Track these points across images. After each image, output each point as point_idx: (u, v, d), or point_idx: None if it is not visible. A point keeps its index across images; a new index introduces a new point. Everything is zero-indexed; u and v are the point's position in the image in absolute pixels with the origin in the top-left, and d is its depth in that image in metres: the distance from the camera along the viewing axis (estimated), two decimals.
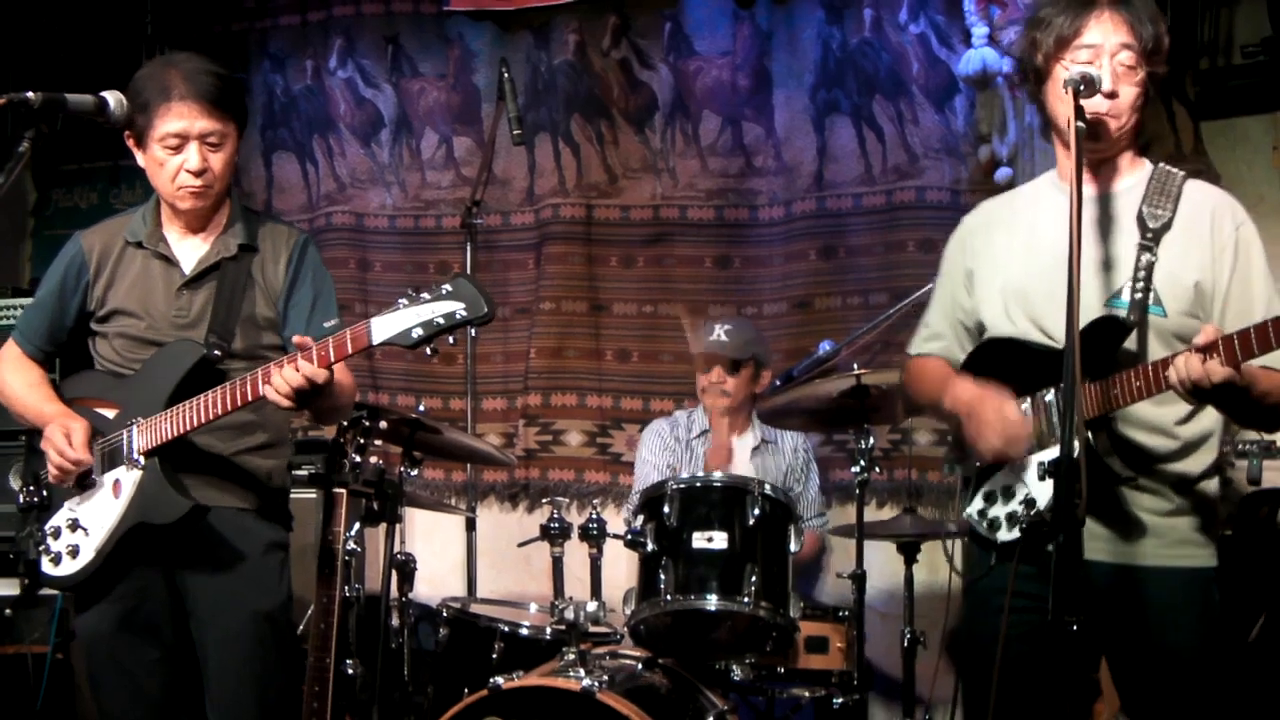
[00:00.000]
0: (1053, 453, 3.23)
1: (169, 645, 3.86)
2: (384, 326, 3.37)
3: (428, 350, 3.37)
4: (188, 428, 3.66)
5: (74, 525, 3.83)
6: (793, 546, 4.63)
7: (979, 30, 5.93)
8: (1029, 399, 3.40)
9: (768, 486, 4.66)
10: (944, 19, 6.07)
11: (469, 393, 6.24)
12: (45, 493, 3.90)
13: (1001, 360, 3.45)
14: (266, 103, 7.00)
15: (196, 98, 3.73)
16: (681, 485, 4.65)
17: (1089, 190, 3.43)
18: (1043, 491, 3.31)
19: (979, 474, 3.51)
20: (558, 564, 4.62)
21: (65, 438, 3.76)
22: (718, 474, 5.01)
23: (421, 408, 5.17)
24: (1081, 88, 3.20)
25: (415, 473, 4.85)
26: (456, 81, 6.76)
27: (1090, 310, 3.30)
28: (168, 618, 3.84)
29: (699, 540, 4.53)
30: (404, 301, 3.36)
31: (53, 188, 7.32)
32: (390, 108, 6.86)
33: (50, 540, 3.86)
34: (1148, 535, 3.33)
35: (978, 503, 3.49)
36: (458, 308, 3.32)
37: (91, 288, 3.93)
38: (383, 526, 4.52)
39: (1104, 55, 3.31)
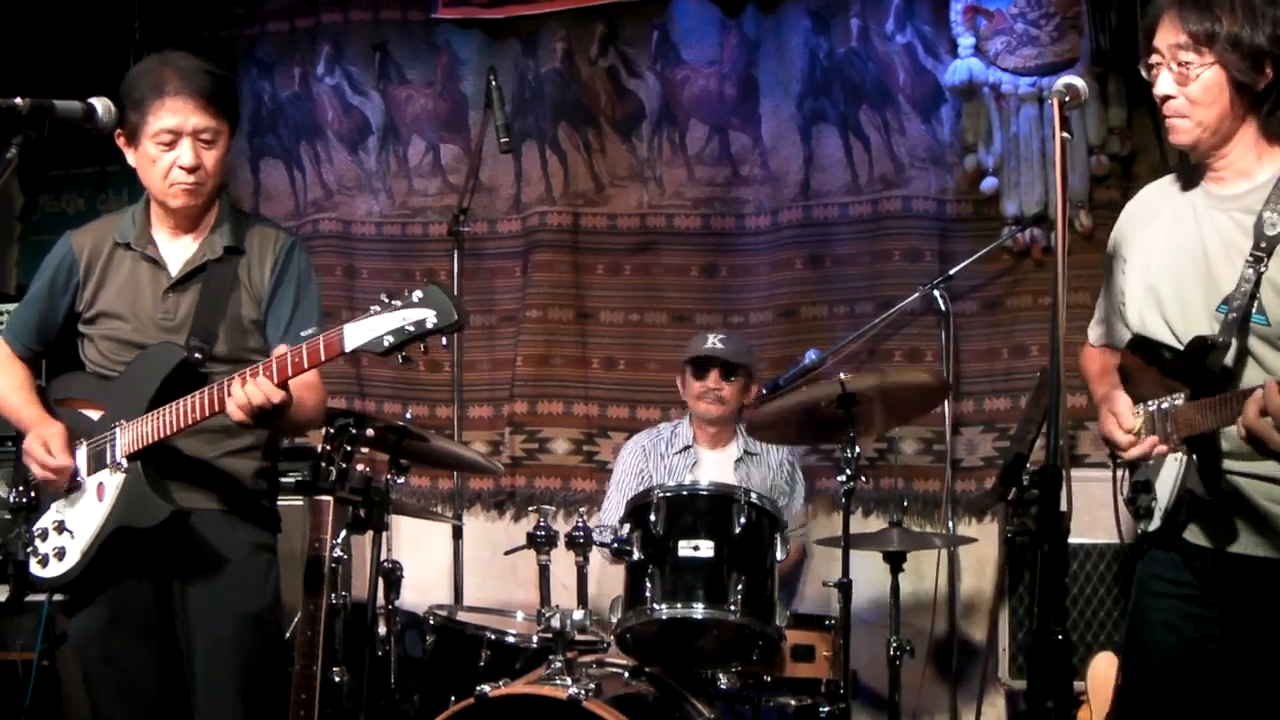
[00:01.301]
0: (1166, 460, 3.34)
1: (161, 644, 3.85)
2: (357, 333, 3.37)
3: (399, 358, 3.37)
4: (169, 431, 3.66)
5: (60, 527, 3.83)
6: (779, 555, 4.64)
7: (965, 40, 5.97)
8: (1155, 403, 3.40)
9: (754, 495, 4.66)
10: (931, 29, 6.09)
11: (455, 400, 6.25)
12: (34, 494, 3.90)
13: (1146, 355, 3.46)
14: (254, 109, 6.99)
15: (191, 94, 3.74)
16: (668, 493, 4.65)
17: (1213, 189, 3.42)
18: (1163, 488, 3.36)
19: (1130, 465, 3.54)
20: (544, 572, 4.62)
21: (44, 448, 3.76)
22: (704, 482, 5.01)
23: (408, 415, 5.16)
24: (1067, 99, 3.21)
25: (402, 480, 4.84)
26: (444, 89, 6.76)
27: (1198, 317, 3.32)
28: (156, 619, 3.84)
29: (685, 549, 4.53)
30: (377, 309, 3.35)
31: (40, 193, 7.31)
32: (378, 115, 6.86)
33: (38, 542, 3.86)
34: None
35: (1128, 491, 3.52)
36: (428, 315, 3.31)
37: (81, 288, 3.93)
38: (369, 534, 4.51)
39: (1166, 60, 3.33)
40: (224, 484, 3.89)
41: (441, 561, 6.14)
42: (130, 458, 3.71)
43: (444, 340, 3.39)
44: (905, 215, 6.15)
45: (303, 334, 3.76)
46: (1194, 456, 3.27)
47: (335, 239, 6.89)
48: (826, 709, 4.81)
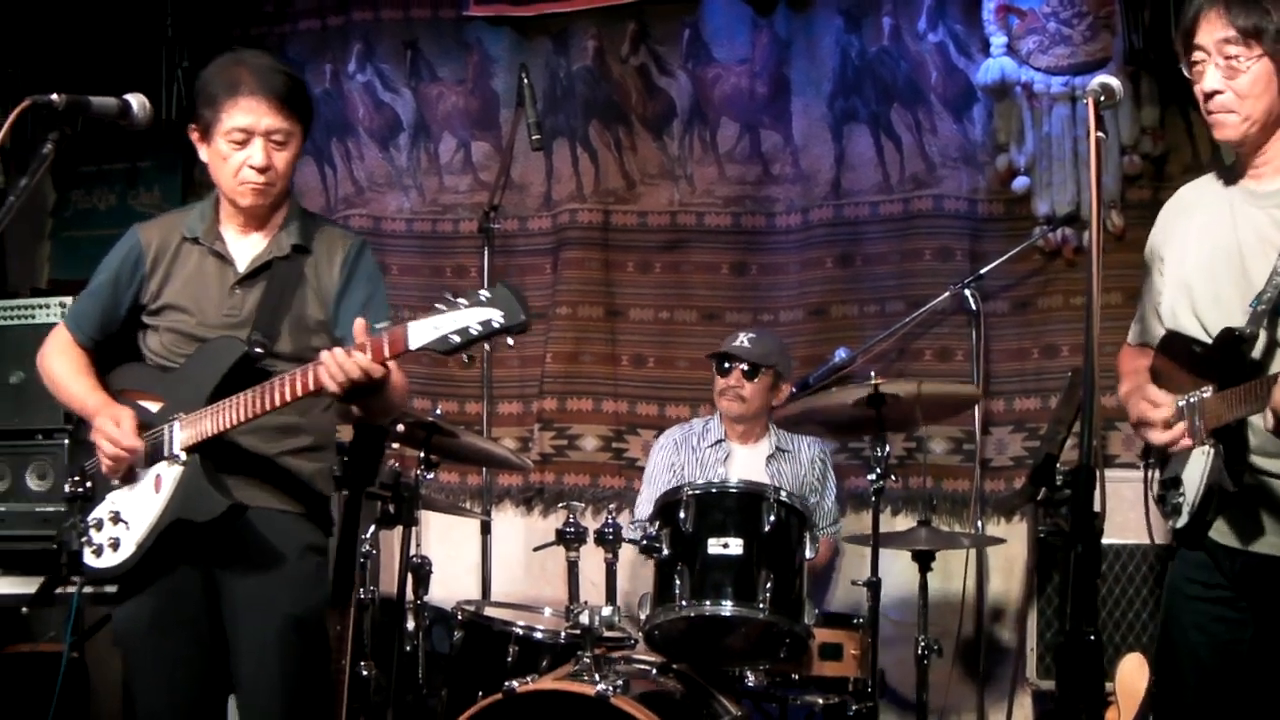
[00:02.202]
0: (1195, 454, 3.35)
1: (205, 640, 3.83)
2: (421, 331, 3.35)
3: (464, 358, 3.37)
4: (229, 425, 3.64)
5: (115, 518, 3.81)
6: (808, 553, 4.64)
7: (998, 39, 5.95)
8: (1184, 398, 3.40)
9: (783, 493, 4.67)
10: (963, 28, 6.08)
11: (485, 397, 6.27)
12: (89, 484, 3.88)
13: (1178, 352, 3.46)
14: None
15: (265, 94, 3.73)
16: (697, 491, 4.66)
17: (1251, 186, 3.42)
18: (1190, 483, 3.37)
19: (1161, 463, 3.55)
20: (573, 568, 4.62)
21: (115, 425, 3.75)
22: (734, 480, 5.01)
23: (438, 411, 5.20)
24: (1102, 98, 3.20)
25: (431, 476, 4.87)
26: (475, 87, 6.77)
27: (1232, 314, 3.31)
28: (204, 614, 3.82)
29: (714, 546, 4.54)
30: (441, 306, 3.33)
31: (71, 189, 7.33)
32: (408, 112, 6.87)
33: (92, 532, 3.84)
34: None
35: (1158, 489, 3.53)
36: (495, 315, 3.28)
37: (147, 281, 3.91)
38: (398, 529, 4.53)
39: (1212, 56, 3.32)
40: (282, 482, 3.86)
41: (470, 557, 6.14)
42: (188, 450, 3.69)
43: (510, 340, 3.36)
44: (936, 214, 6.14)
45: (376, 326, 3.74)
46: (1221, 448, 3.26)
47: (365, 235, 6.87)
48: (854, 708, 4.81)
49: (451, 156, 6.85)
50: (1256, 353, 3.27)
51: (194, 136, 3.85)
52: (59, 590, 5.18)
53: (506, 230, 6.53)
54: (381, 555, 5.26)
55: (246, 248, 3.91)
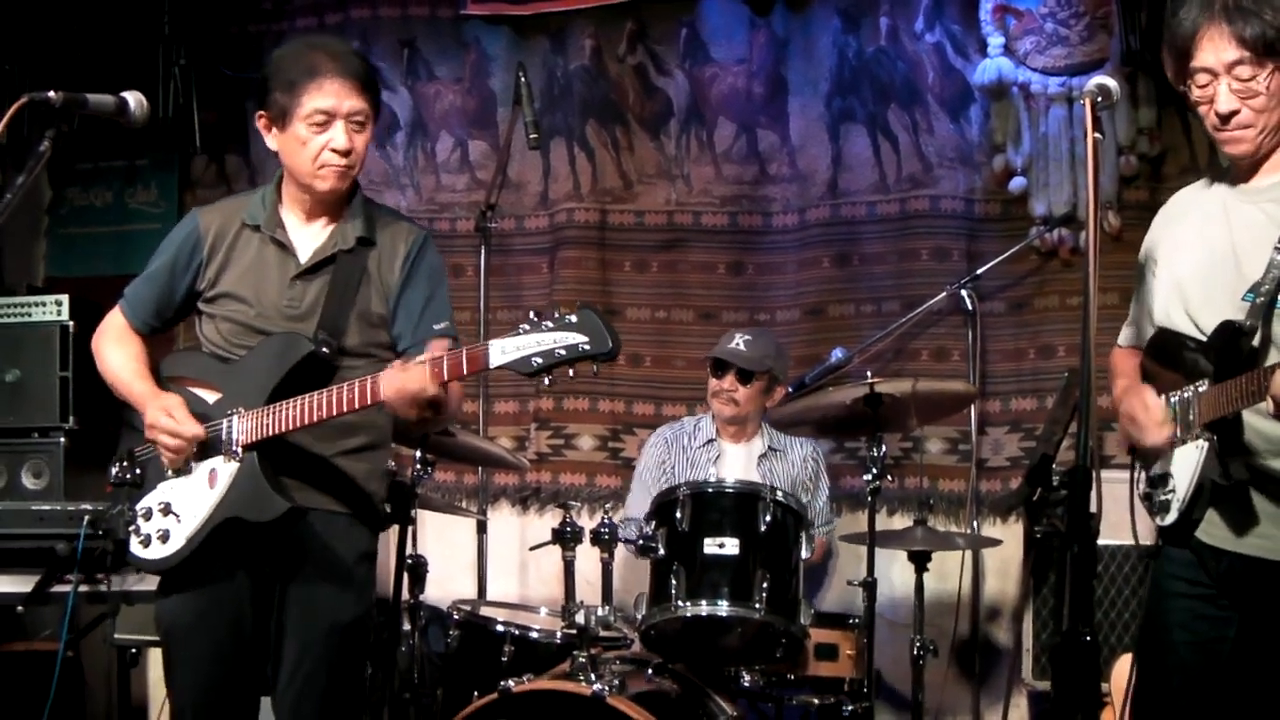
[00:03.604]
0: (1187, 449, 3.35)
1: (249, 639, 3.78)
2: (503, 350, 3.29)
3: (545, 380, 3.31)
4: (293, 426, 3.59)
5: (166, 509, 3.75)
6: (804, 553, 4.64)
7: (995, 40, 5.96)
8: (1177, 394, 3.41)
9: (780, 493, 4.67)
10: (960, 28, 6.09)
11: (481, 396, 6.27)
12: (139, 471, 3.82)
13: (1168, 349, 3.47)
14: None
15: (347, 76, 3.71)
16: (693, 491, 4.66)
17: (1243, 185, 3.42)
18: (1181, 478, 3.37)
19: (1144, 460, 3.56)
20: (569, 568, 4.62)
21: (167, 415, 3.69)
22: (730, 479, 5.01)
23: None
24: (1099, 99, 3.20)
25: (427, 475, 4.85)
26: (472, 85, 6.77)
27: (1225, 305, 3.31)
28: (249, 613, 3.77)
29: (710, 546, 4.54)
30: (525, 327, 3.28)
31: (68, 187, 7.31)
32: (405, 111, 6.86)
33: (140, 521, 3.79)
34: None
35: (1144, 487, 3.54)
36: (581, 340, 3.23)
37: (205, 267, 3.86)
38: (394, 529, 4.52)
39: (1220, 77, 3.28)
40: (338, 484, 3.80)
41: (466, 557, 6.14)
42: (246, 448, 3.64)
43: (595, 367, 3.31)
44: (933, 215, 6.15)
45: (435, 326, 3.77)
46: (1215, 439, 3.26)
47: None
48: (849, 708, 4.81)
49: (448, 155, 6.84)
50: (1255, 344, 3.28)
51: (261, 124, 3.80)
52: (54, 589, 5.19)
53: (503, 229, 6.53)
54: (378, 554, 5.25)
55: (308, 237, 3.86)
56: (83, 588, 4.47)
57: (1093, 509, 3.03)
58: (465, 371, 3.40)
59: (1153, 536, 3.56)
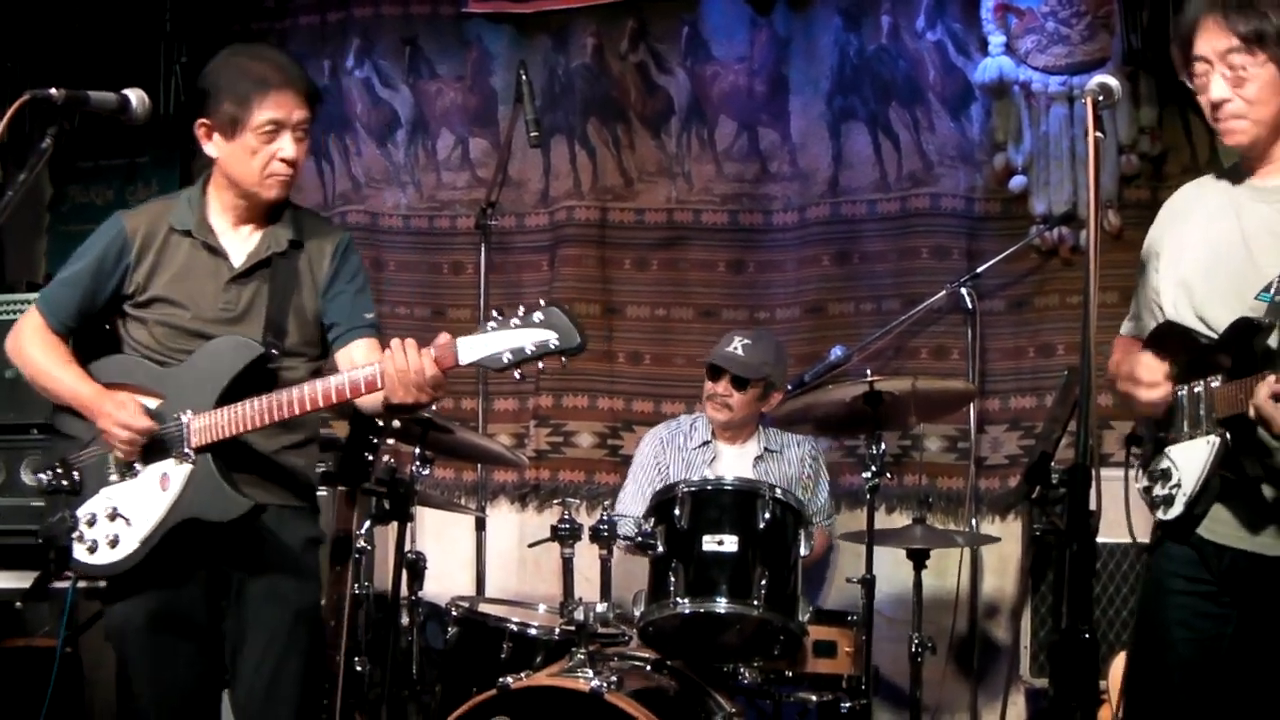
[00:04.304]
0: (1196, 443, 3.36)
1: (203, 639, 3.83)
2: (472, 348, 3.37)
3: (516, 374, 3.38)
4: (248, 427, 3.63)
5: (114, 514, 3.76)
6: (803, 551, 4.65)
7: (996, 39, 5.96)
8: (1185, 387, 3.42)
9: (779, 490, 4.67)
10: (961, 27, 6.08)
11: (480, 393, 6.28)
12: (75, 477, 3.82)
13: (1174, 342, 3.48)
14: None
15: (295, 87, 3.77)
16: (692, 488, 4.66)
17: (1256, 183, 3.44)
18: (1188, 477, 3.38)
19: (1145, 455, 3.58)
20: (567, 565, 4.62)
21: (122, 409, 3.69)
22: (729, 477, 5.01)
23: (433, 407, 5.17)
24: (1100, 98, 3.21)
25: (426, 472, 4.86)
26: (474, 83, 6.77)
27: (1232, 298, 3.33)
28: (203, 611, 3.82)
29: (709, 543, 4.55)
30: (493, 325, 3.35)
31: (68, 184, 7.33)
32: (407, 108, 6.87)
33: (84, 527, 3.78)
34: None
35: (1144, 480, 3.55)
36: (550, 337, 3.31)
37: (132, 271, 3.86)
38: (393, 525, 4.53)
39: (1215, 65, 3.34)
40: (280, 478, 3.86)
41: (464, 553, 6.15)
42: (199, 449, 3.66)
43: (564, 360, 3.37)
44: (933, 213, 6.15)
45: (366, 315, 3.86)
46: (1228, 435, 3.27)
47: (363, 231, 6.89)
48: (848, 705, 4.81)
49: (449, 153, 6.85)
50: (1272, 343, 3.28)
51: (201, 132, 3.81)
52: (53, 585, 5.19)
53: (504, 227, 6.53)
54: (377, 551, 5.26)
55: (238, 241, 3.89)
56: (81, 584, 4.46)
57: (1092, 507, 3.03)
58: (438, 369, 3.46)
59: (1149, 534, 3.57)
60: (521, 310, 3.35)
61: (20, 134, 4.77)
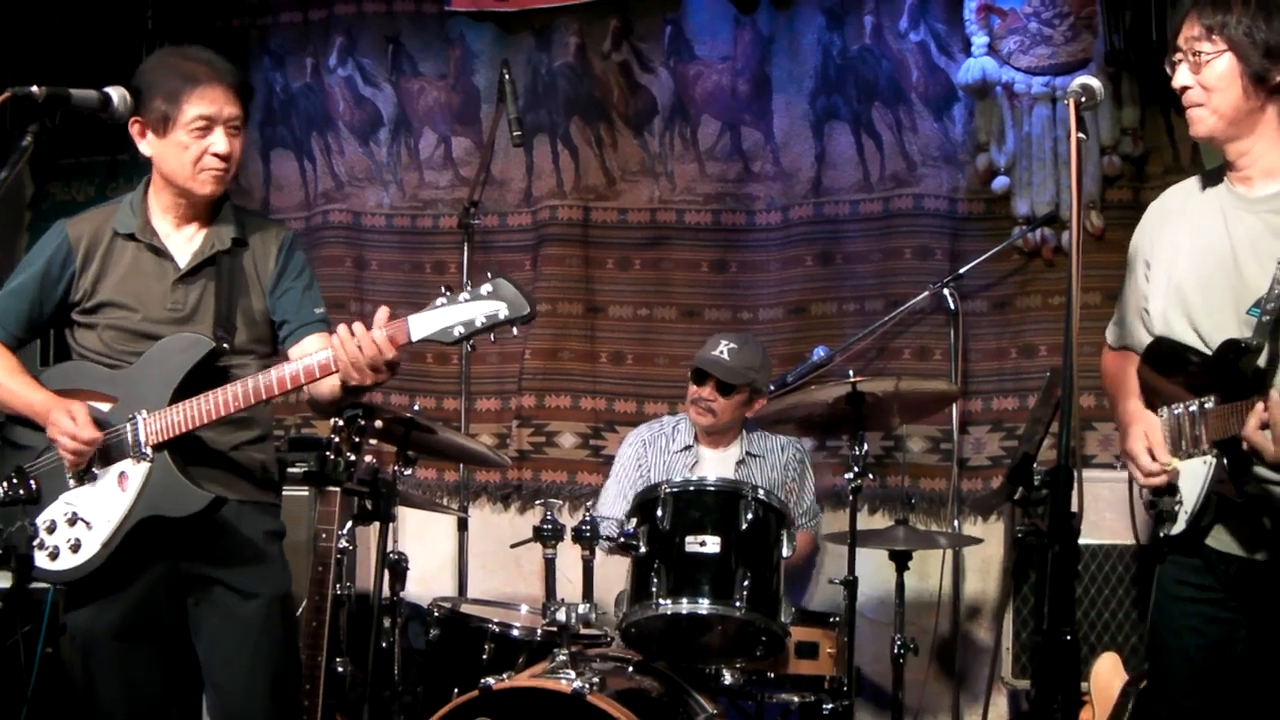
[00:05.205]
0: (1194, 462, 3.38)
1: (167, 640, 3.85)
2: (423, 324, 3.41)
3: (467, 346, 3.44)
4: (204, 421, 3.66)
5: (73, 519, 3.77)
6: (785, 552, 4.64)
7: (979, 39, 5.96)
8: (1181, 406, 3.43)
9: (761, 491, 4.66)
10: (944, 27, 6.08)
11: (463, 393, 6.27)
12: (33, 485, 3.79)
13: (1168, 360, 3.49)
14: (266, 100, 6.99)
15: (225, 84, 3.80)
16: (675, 488, 4.65)
17: (1241, 190, 3.45)
18: (1189, 490, 3.39)
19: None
20: (549, 565, 4.61)
21: (70, 419, 3.70)
22: (711, 478, 5.01)
23: (416, 407, 5.17)
24: (1083, 99, 3.22)
25: (409, 472, 4.86)
26: (456, 82, 6.76)
27: (1229, 319, 3.35)
28: (168, 611, 3.84)
29: (691, 544, 4.54)
30: (442, 301, 3.38)
31: (50, 181, 7.31)
32: (389, 107, 6.86)
33: (45, 534, 3.79)
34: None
35: (1148, 494, 3.55)
36: (500, 307, 3.35)
37: (78, 278, 3.89)
38: (375, 525, 4.52)
39: (1185, 54, 3.40)
40: (238, 474, 3.90)
41: (446, 554, 6.15)
42: (156, 447, 3.68)
43: (515, 330, 3.41)
44: (916, 213, 6.15)
45: (316, 310, 3.89)
46: (1224, 460, 3.28)
47: (345, 230, 6.89)
48: (830, 706, 4.81)
49: (432, 152, 6.84)
50: (1261, 363, 3.29)
51: (135, 130, 3.83)
52: (33, 585, 5.16)
53: (486, 226, 6.53)
54: (358, 551, 5.25)
55: (182, 241, 3.91)
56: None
57: (1074, 508, 3.03)
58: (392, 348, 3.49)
59: (1147, 536, 3.58)
60: (469, 284, 3.39)
61: (1, 131, 4.76)
